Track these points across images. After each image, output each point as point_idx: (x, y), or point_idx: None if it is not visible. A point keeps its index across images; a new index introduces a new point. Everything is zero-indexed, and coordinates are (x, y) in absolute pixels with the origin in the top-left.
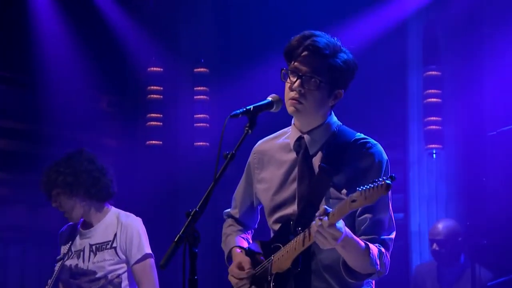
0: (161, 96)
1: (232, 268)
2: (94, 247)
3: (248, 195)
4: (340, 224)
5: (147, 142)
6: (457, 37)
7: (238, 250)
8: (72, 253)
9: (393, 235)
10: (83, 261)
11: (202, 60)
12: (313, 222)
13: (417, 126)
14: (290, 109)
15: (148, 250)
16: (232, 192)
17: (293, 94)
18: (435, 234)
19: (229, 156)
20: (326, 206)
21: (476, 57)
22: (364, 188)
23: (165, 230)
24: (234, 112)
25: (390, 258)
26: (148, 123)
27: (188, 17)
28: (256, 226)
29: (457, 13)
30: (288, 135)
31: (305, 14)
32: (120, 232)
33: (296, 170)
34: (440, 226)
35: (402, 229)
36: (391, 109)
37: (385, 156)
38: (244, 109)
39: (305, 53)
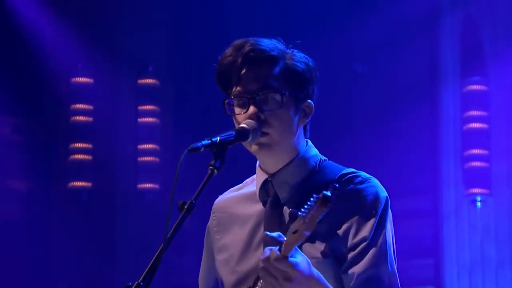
0: (91, 119)
1: None
2: None
3: (212, 274)
4: (298, 259)
5: (70, 184)
6: (510, 37)
7: None
8: None
9: None
10: None
11: (150, 68)
12: (260, 256)
13: (453, 163)
14: (253, 148)
15: None
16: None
17: None
18: None
19: (186, 206)
20: (280, 233)
21: None
22: (304, 211)
23: None
24: (194, 145)
25: None
26: (72, 156)
27: (131, 9)
28: None
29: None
30: (255, 182)
31: (285, 13)
32: None
33: (262, 226)
34: None
35: None
36: (417, 139)
37: (383, 193)
38: (209, 140)
39: (246, 66)
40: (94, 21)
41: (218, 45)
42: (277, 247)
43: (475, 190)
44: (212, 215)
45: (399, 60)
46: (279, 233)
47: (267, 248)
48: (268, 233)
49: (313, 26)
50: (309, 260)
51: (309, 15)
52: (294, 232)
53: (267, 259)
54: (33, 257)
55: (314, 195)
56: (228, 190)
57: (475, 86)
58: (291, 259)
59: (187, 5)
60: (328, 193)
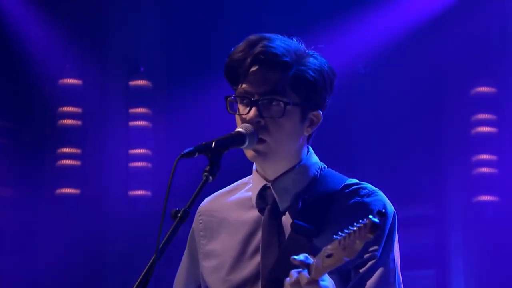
0: (79, 122)
1: None
2: None
3: (193, 278)
4: (327, 282)
5: (58, 191)
6: None
7: None
8: None
9: None
10: None
11: (142, 69)
12: (287, 279)
13: (460, 168)
14: (249, 153)
15: None
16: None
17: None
18: None
19: (179, 214)
20: (306, 255)
21: None
22: (342, 234)
23: None
24: (187, 150)
25: None
26: (60, 161)
27: (121, 7)
28: None
29: None
30: (249, 186)
31: (285, 13)
32: None
33: (259, 234)
34: None
35: None
36: (422, 143)
37: (390, 208)
38: (203, 145)
39: (255, 66)
40: (83, 20)
41: (213, 45)
42: (305, 270)
43: (484, 197)
44: (198, 217)
45: (404, 61)
46: (306, 255)
47: (295, 271)
48: (295, 257)
49: (313, 26)
50: (333, 283)
51: (309, 15)
52: (328, 256)
53: (296, 283)
54: (19, 267)
55: (360, 221)
56: (217, 193)
57: (483, 88)
58: (322, 283)
59: (180, 2)
60: (377, 220)
